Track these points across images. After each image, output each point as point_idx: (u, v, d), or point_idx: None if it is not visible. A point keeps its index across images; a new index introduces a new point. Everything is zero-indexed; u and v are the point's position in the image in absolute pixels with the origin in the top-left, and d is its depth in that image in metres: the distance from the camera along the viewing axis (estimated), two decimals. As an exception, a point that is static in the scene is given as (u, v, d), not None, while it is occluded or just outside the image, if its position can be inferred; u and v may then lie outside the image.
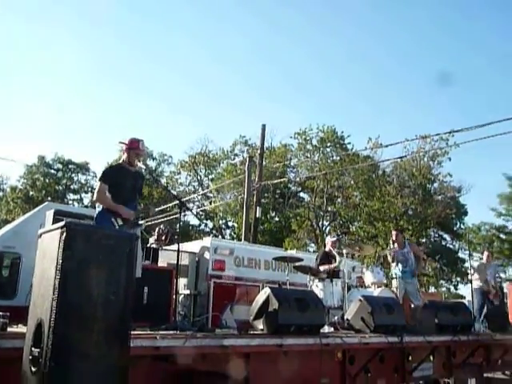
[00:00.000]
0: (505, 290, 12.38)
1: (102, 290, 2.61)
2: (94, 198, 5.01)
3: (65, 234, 2.60)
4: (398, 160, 25.46)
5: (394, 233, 8.60)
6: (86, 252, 2.61)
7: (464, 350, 6.81)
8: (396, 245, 8.32)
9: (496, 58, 48.09)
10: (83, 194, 38.78)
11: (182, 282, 8.07)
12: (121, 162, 5.24)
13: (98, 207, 4.96)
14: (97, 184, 5.07)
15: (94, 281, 2.59)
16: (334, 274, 7.36)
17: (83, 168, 38.51)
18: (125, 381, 2.65)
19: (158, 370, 3.73)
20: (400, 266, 8.14)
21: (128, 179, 5.06)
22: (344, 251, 7.55)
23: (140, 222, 5.22)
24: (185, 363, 3.81)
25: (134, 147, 5.11)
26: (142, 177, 5.44)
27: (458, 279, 33.65)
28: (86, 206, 31.13)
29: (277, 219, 33.42)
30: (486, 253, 10.49)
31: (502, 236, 32.39)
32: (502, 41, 49.93)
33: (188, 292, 8.01)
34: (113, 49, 54.19)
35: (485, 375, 7.33)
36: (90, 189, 37.73)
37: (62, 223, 2.66)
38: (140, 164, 5.29)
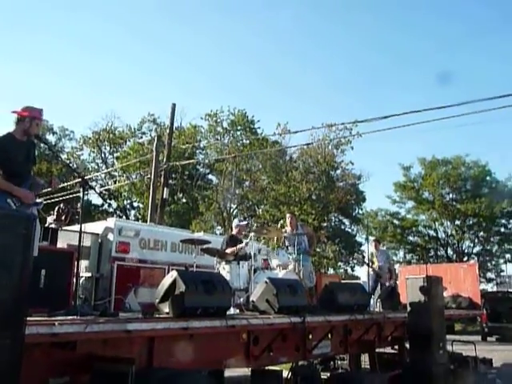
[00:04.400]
0: (396, 272, 13.37)
1: (-6, 274, 2.38)
2: None
3: None
4: (305, 146, 26.28)
5: (288, 215, 8.88)
6: (-26, 233, 2.36)
7: (359, 328, 7.23)
8: (289, 228, 8.61)
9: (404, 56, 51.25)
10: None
11: (84, 264, 7.70)
12: (12, 132, 4.65)
13: None
14: None
15: (-16, 264, 2.36)
16: (240, 257, 7.44)
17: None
18: (17, 370, 2.47)
19: (56, 357, 3.52)
20: (292, 248, 8.45)
21: (21, 151, 4.61)
22: (251, 234, 7.65)
23: (38, 201, 4.86)
24: (86, 349, 3.64)
25: (37, 117, 4.68)
26: (34, 144, 4.93)
27: (355, 261, 35.80)
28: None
29: (184, 201, 33.11)
30: (372, 242, 11.28)
31: (396, 222, 34.95)
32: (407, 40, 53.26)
33: (89, 275, 7.69)
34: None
35: (376, 350, 7.87)
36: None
37: None
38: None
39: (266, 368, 7.45)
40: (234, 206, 30.57)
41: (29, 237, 2.54)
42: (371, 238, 13.69)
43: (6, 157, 4.46)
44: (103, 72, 55.18)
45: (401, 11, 54.06)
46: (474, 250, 34.68)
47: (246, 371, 7.47)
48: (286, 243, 8.78)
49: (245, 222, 8.15)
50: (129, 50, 55.72)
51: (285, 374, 7.72)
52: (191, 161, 27.17)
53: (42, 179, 5.14)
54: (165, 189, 17.38)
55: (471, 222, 33.61)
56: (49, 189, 5.20)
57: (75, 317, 3.91)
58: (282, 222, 8.98)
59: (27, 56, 53.10)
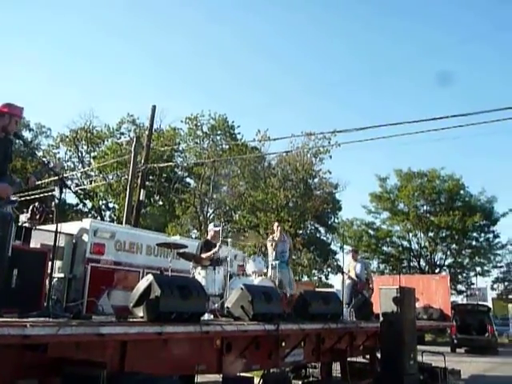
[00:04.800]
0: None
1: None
2: None
3: None
4: (284, 154, 26.42)
5: (276, 224, 8.92)
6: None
7: (332, 337, 7.28)
8: (278, 235, 8.66)
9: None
10: None
11: (57, 264, 7.58)
12: None
13: None
14: None
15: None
16: (217, 262, 7.42)
17: None
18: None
19: (27, 359, 3.46)
20: (278, 256, 8.51)
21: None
22: (229, 240, 7.65)
23: (13, 199, 4.76)
24: (57, 352, 3.59)
25: (17, 114, 4.59)
26: (11, 142, 4.77)
27: (329, 269, 36.00)
28: None
29: (161, 203, 32.86)
30: (350, 252, 11.43)
31: (371, 231, 35.30)
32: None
33: (62, 275, 7.55)
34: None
35: (348, 359, 7.93)
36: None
37: None
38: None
39: (238, 374, 7.45)
40: (210, 211, 30.49)
41: (4, 237, 2.50)
42: (349, 248, 13.85)
43: None
44: (83, 71, 54.57)
45: (388, 18, 54.85)
46: (446, 262, 35.28)
47: (217, 377, 7.45)
48: (270, 250, 8.79)
49: (218, 228, 8.08)
50: (111, 51, 55.27)
51: (256, 380, 7.72)
52: (169, 163, 27.00)
53: (17, 177, 5.02)
54: (141, 190, 17.22)
55: (444, 235, 34.16)
56: (25, 187, 5.09)
57: (47, 319, 3.84)
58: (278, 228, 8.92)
59: (4, 52, 52.20)
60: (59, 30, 52.09)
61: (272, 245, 8.58)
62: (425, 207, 34.55)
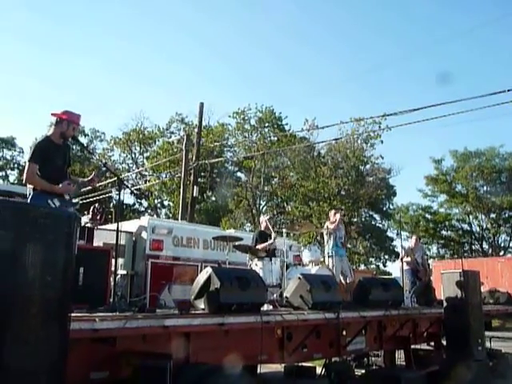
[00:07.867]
0: (430, 267, 13.14)
1: (39, 271, 2.46)
2: (24, 180, 4.58)
3: (-4, 213, 2.41)
4: (333, 142, 26.07)
5: (333, 211, 8.84)
6: (20, 231, 2.43)
7: (394, 324, 7.15)
8: (336, 222, 8.58)
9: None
10: (9, 171, 36.70)
11: (119, 262, 7.86)
12: (49, 135, 4.72)
13: (31, 188, 4.58)
14: (26, 164, 4.60)
15: (30, 262, 2.43)
16: (272, 253, 7.45)
17: (9, 143, 36.31)
18: (63, 365, 2.54)
19: (96, 352, 3.61)
20: (337, 241, 8.44)
21: (59, 155, 4.71)
22: (284, 230, 7.65)
23: (75, 201, 4.98)
24: (125, 345, 3.72)
25: (75, 121, 4.79)
26: (69, 147, 5.02)
27: (386, 257, 35.33)
28: (12, 183, 29.48)
29: (213, 199, 33.34)
30: (414, 237, 11.13)
31: (428, 216, 34.27)
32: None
33: (124, 272, 7.83)
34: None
35: (412, 347, 7.76)
36: (16, 165, 35.83)
37: (-8, 201, 2.47)
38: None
39: (300, 364, 7.45)
40: (263, 203, 30.61)
41: (71, 235, 2.61)
42: (406, 234, 13.50)
43: (46, 161, 4.54)
44: (134, 66, 55.83)
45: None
46: (511, 244, 33.76)
47: (278, 367, 7.49)
48: (326, 238, 8.72)
49: (268, 216, 8.07)
50: (153, 40, 56.08)
51: (318, 370, 7.70)
52: (220, 159, 27.29)
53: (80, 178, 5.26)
54: (195, 187, 17.54)
55: (507, 215, 32.67)
56: (89, 187, 5.32)
57: (114, 313, 4.00)
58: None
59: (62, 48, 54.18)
60: (112, 21, 53.36)
61: (327, 233, 8.49)
62: (485, 188, 33.15)
